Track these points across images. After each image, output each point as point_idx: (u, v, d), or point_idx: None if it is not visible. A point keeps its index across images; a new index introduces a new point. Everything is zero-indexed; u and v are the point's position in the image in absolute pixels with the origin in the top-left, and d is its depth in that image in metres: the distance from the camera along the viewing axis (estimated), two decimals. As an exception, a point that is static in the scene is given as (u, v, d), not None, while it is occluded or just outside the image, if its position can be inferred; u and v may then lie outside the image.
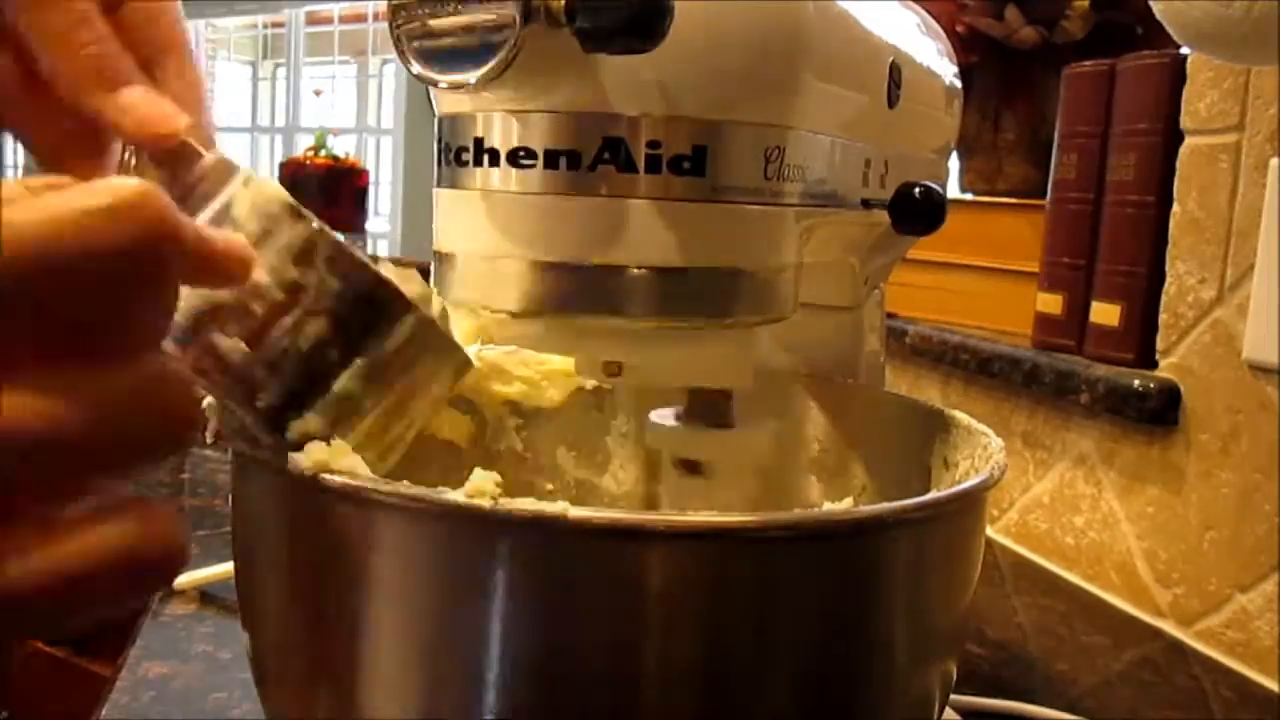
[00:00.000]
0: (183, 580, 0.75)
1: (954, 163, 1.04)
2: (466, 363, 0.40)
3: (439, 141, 0.43)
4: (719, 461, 0.50)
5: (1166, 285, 0.81)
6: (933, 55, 0.57)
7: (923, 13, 0.58)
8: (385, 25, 0.37)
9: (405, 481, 0.34)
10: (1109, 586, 0.86)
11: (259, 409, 0.35)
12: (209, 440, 0.38)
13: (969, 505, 0.41)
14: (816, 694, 0.37)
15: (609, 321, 0.41)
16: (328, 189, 1.83)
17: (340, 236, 0.36)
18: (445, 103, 0.42)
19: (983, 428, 0.48)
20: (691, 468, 0.50)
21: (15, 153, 6.55)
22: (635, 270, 0.39)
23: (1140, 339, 0.83)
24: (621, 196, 0.39)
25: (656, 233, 0.39)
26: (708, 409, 0.50)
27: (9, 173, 6.50)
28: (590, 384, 0.61)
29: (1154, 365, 0.82)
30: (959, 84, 0.61)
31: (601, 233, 0.39)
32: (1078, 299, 0.90)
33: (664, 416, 0.51)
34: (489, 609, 0.34)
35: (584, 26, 0.34)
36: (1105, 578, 0.86)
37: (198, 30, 6.10)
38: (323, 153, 1.82)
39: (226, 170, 0.35)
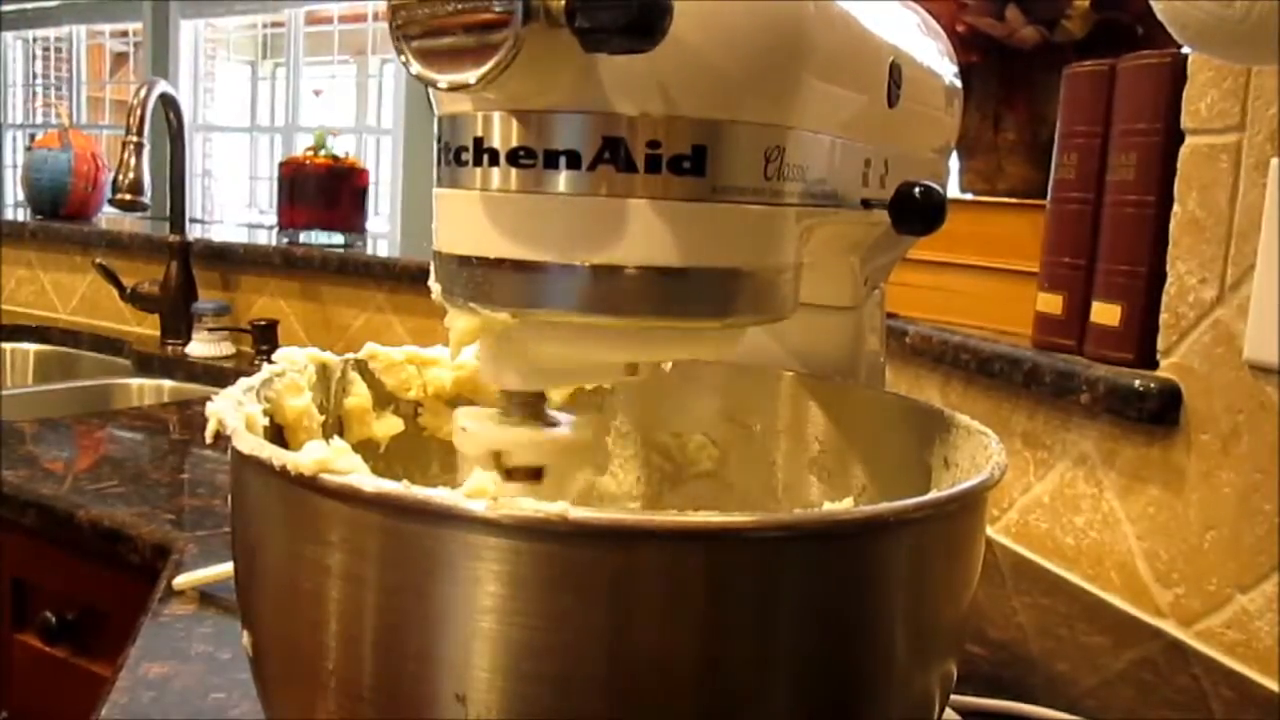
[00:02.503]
0: (182, 580, 0.75)
1: (954, 163, 1.04)
2: None
3: (439, 141, 0.43)
4: (554, 463, 0.46)
5: (1167, 285, 0.81)
6: (933, 55, 0.57)
7: (923, 12, 0.58)
8: (385, 25, 0.37)
9: (405, 481, 0.35)
10: (1109, 586, 0.86)
11: None
12: (209, 440, 0.38)
13: (969, 505, 0.41)
14: (816, 694, 0.37)
15: (608, 321, 0.41)
16: (327, 189, 1.82)
17: None
18: (445, 102, 0.42)
19: (982, 428, 0.48)
20: (534, 474, 0.45)
21: (15, 152, 6.55)
22: (635, 270, 0.39)
23: (1141, 339, 0.83)
24: (621, 196, 0.39)
25: (656, 233, 0.39)
26: (527, 409, 0.46)
27: (9, 172, 6.49)
28: (590, 384, 0.61)
29: (1154, 365, 0.82)
30: (959, 84, 0.61)
31: (601, 233, 0.39)
32: (1078, 299, 0.90)
33: (478, 419, 0.46)
34: (488, 609, 0.34)
35: (584, 26, 0.34)
36: (1106, 578, 0.86)
37: (197, 30, 6.10)
38: (322, 153, 1.81)
39: None
